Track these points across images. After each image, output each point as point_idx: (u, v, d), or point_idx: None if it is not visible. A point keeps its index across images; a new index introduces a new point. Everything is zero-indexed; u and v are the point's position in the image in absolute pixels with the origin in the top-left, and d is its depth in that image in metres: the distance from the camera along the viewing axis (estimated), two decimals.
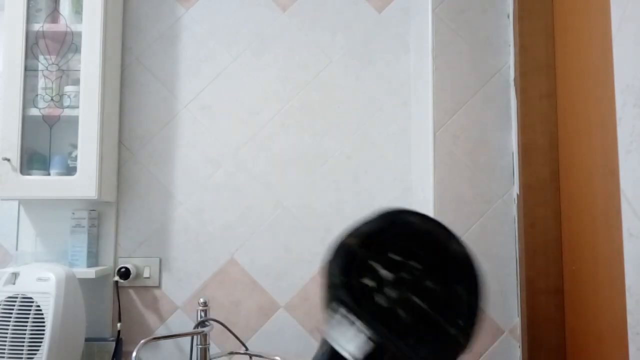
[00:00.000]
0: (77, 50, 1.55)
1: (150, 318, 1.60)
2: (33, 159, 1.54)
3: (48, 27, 1.53)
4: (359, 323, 0.49)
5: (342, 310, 0.49)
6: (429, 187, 1.43)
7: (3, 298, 1.31)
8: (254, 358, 1.49)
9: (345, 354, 0.46)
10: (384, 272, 0.53)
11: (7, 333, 1.28)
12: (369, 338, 0.47)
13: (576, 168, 1.26)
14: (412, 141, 1.65)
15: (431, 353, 0.47)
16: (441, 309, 0.51)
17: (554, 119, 1.37)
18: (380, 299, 0.51)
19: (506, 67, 1.45)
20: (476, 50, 1.45)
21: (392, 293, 0.52)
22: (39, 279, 1.33)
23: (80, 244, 1.54)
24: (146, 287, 1.61)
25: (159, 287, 1.61)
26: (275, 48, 1.69)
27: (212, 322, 1.37)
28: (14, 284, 1.34)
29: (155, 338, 1.29)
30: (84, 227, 1.54)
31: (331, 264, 0.54)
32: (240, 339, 1.54)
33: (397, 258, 0.54)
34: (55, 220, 1.61)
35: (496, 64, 1.45)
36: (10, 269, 1.38)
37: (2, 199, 1.48)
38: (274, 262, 1.62)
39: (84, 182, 1.46)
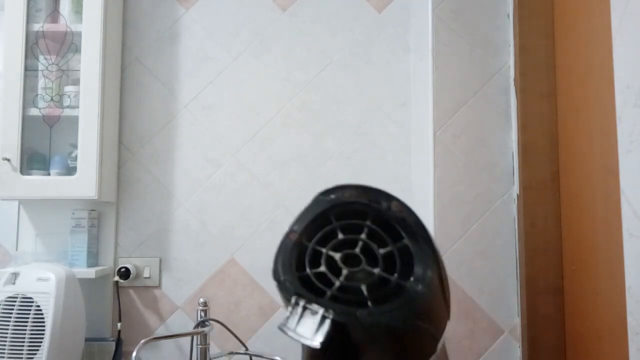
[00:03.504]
0: (77, 50, 1.55)
1: (150, 318, 1.60)
2: (33, 159, 1.54)
3: (48, 27, 1.53)
4: (318, 309, 0.49)
5: (301, 302, 0.49)
6: (429, 187, 1.43)
7: (3, 298, 1.31)
8: (254, 358, 1.49)
9: (313, 343, 0.46)
10: (333, 254, 0.53)
11: (7, 333, 1.28)
12: (332, 320, 0.47)
13: (576, 168, 1.26)
14: (412, 141, 1.65)
15: (393, 310, 0.48)
16: (394, 268, 0.51)
17: (554, 119, 1.37)
18: (335, 280, 0.51)
19: (506, 67, 1.45)
20: (476, 50, 1.45)
21: (345, 270, 0.52)
22: (39, 279, 1.33)
23: (80, 244, 1.54)
24: (146, 287, 1.61)
25: (159, 287, 1.62)
26: (275, 48, 1.69)
27: (212, 322, 1.37)
28: (14, 284, 1.34)
29: (155, 338, 1.29)
30: (84, 227, 1.54)
31: (280, 263, 0.54)
32: (240, 339, 1.54)
33: (343, 236, 0.54)
34: (55, 220, 1.61)
35: (496, 64, 1.45)
36: (10, 269, 1.38)
37: (2, 199, 1.48)
38: None
39: (84, 182, 1.46)
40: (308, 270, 0.52)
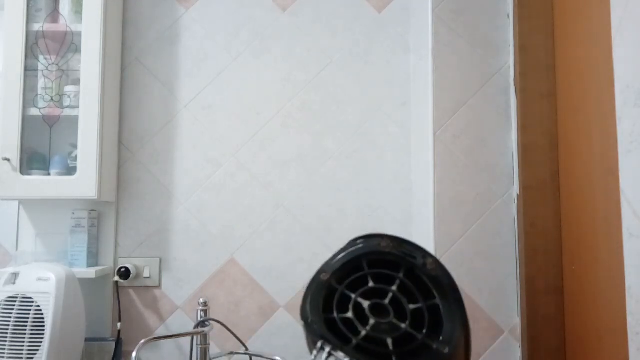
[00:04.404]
0: (77, 50, 1.55)
1: (150, 318, 1.60)
2: (33, 159, 1.54)
3: (48, 27, 1.53)
4: (344, 358, 0.49)
5: (327, 347, 0.50)
6: (429, 187, 1.43)
7: (3, 298, 1.31)
8: (254, 358, 1.49)
9: None
10: (362, 302, 0.53)
11: (7, 333, 1.28)
12: None
13: (576, 168, 1.26)
14: (412, 141, 1.65)
15: None
16: (421, 325, 0.51)
17: (554, 119, 1.37)
18: (362, 329, 0.52)
19: (506, 67, 1.45)
20: (476, 50, 1.45)
21: (372, 320, 0.52)
22: (39, 279, 1.33)
23: (80, 244, 1.54)
24: (146, 287, 1.61)
25: (159, 287, 1.61)
26: (275, 48, 1.69)
27: (212, 322, 1.37)
28: (14, 284, 1.34)
29: (155, 338, 1.29)
30: (84, 227, 1.54)
31: (309, 303, 0.54)
32: (240, 339, 1.54)
33: (373, 285, 0.55)
34: (55, 220, 1.61)
35: (496, 64, 1.45)
36: (10, 269, 1.38)
37: (2, 199, 1.48)
38: (274, 262, 1.62)
39: (84, 182, 1.46)
40: (335, 314, 0.52)
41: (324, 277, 0.56)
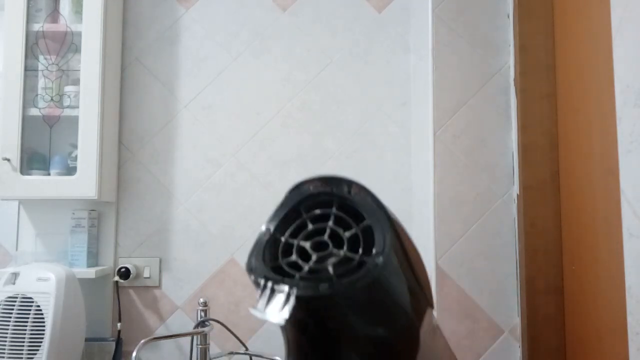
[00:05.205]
0: (77, 50, 1.55)
1: (150, 318, 1.60)
2: (33, 159, 1.54)
3: (48, 27, 1.53)
4: (284, 288, 0.52)
5: (269, 284, 0.52)
6: (429, 187, 1.43)
7: (3, 298, 1.31)
8: (254, 358, 1.49)
9: (278, 320, 0.48)
10: (304, 244, 0.56)
11: (7, 333, 1.28)
12: (296, 296, 0.49)
13: (576, 168, 1.26)
14: (412, 141, 1.65)
15: (353, 281, 0.51)
16: (358, 247, 0.54)
17: (554, 119, 1.37)
18: (305, 265, 0.54)
19: (506, 67, 1.45)
20: (476, 50, 1.45)
21: (314, 256, 0.55)
22: (39, 279, 1.33)
23: (80, 244, 1.54)
24: (146, 287, 1.61)
25: (159, 287, 1.61)
26: (275, 48, 1.69)
27: (212, 322, 1.37)
28: (14, 284, 1.34)
29: (155, 338, 1.29)
30: (84, 227, 1.54)
31: (254, 256, 0.56)
32: (240, 339, 1.54)
33: (312, 227, 0.57)
34: (55, 220, 1.61)
35: (496, 64, 1.45)
36: (10, 269, 1.38)
37: (2, 199, 1.48)
38: None
39: (84, 182, 1.46)
40: (280, 260, 0.55)
41: (266, 233, 0.58)
